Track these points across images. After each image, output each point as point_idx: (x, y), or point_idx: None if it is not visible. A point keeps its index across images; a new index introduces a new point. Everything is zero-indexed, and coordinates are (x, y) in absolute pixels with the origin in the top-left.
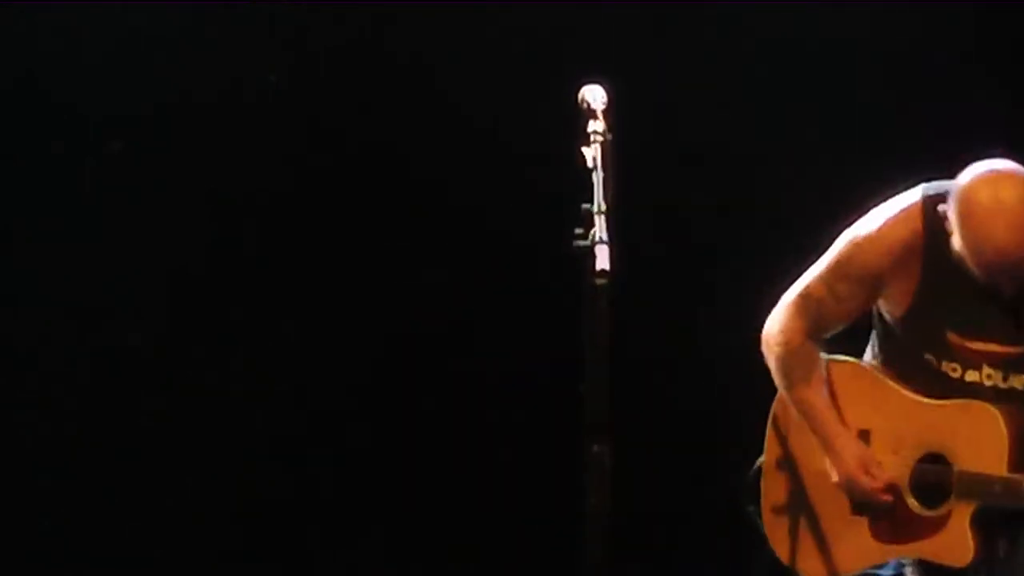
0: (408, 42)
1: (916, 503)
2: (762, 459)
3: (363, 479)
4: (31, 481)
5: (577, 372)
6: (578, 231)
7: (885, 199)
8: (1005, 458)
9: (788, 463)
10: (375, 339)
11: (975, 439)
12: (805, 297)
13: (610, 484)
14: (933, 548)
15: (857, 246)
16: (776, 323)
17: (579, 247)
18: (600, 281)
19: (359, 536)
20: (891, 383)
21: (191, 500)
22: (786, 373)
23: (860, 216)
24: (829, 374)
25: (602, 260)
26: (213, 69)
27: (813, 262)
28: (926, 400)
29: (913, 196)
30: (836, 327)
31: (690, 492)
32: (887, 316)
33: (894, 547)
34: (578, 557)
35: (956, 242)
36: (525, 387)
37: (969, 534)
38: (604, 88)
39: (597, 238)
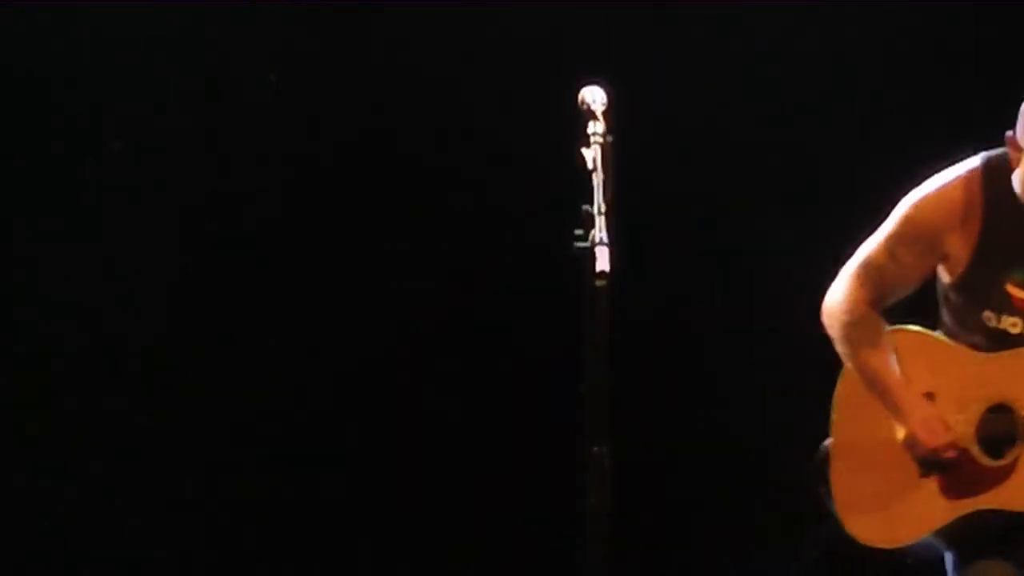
0: (408, 43)
1: (984, 455)
2: (828, 441)
3: (363, 479)
4: (31, 481)
5: (577, 372)
6: (578, 232)
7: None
8: None
9: (855, 440)
10: (375, 339)
11: None
12: (866, 266)
13: (610, 484)
14: (1004, 496)
15: (916, 207)
16: (839, 294)
17: (579, 248)
18: (600, 282)
19: (359, 536)
20: (950, 343)
21: (191, 500)
22: (851, 341)
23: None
24: (892, 343)
25: (602, 261)
26: (213, 69)
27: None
28: (985, 354)
29: (972, 161)
30: (898, 294)
31: (690, 493)
32: (946, 281)
33: (965, 501)
34: (578, 557)
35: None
36: (525, 387)
37: None
38: (604, 89)
39: (597, 239)
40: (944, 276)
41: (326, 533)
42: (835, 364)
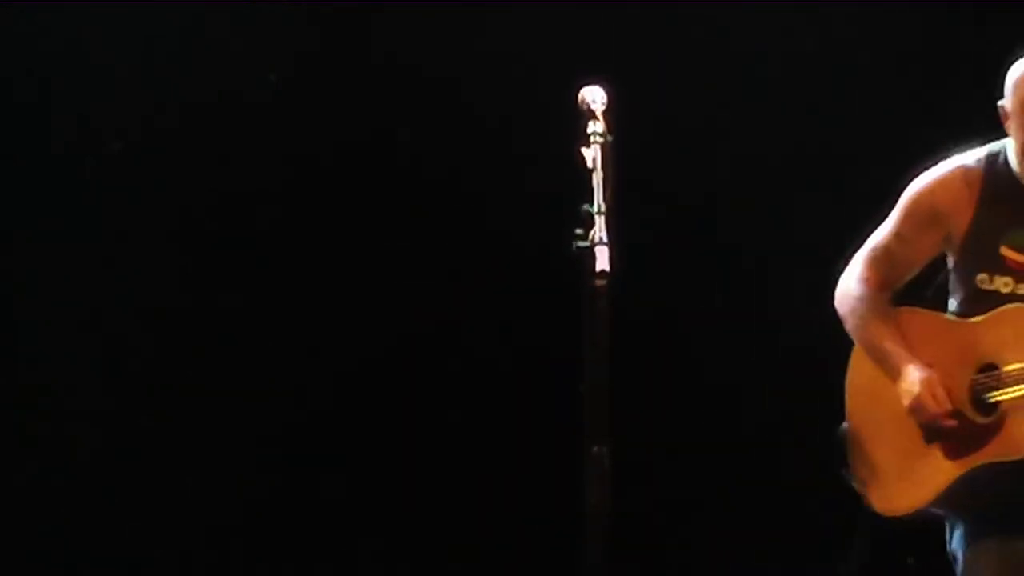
0: (408, 43)
1: (977, 414)
2: (845, 424)
3: (363, 479)
4: (31, 481)
5: (577, 372)
6: (578, 232)
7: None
8: None
9: (868, 419)
10: (375, 339)
11: (1015, 339)
12: (875, 248)
13: (610, 484)
14: (997, 449)
15: (919, 190)
16: (851, 277)
17: (579, 248)
18: (600, 282)
19: (359, 536)
20: (944, 316)
21: (191, 500)
22: (859, 316)
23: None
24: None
25: (602, 261)
26: (213, 69)
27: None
28: (971, 320)
29: (978, 151)
30: (906, 274)
31: (690, 493)
32: (949, 264)
33: (966, 459)
34: (578, 557)
35: (1012, 128)
36: (525, 387)
37: None
38: (604, 89)
39: (597, 239)
40: (949, 260)
41: (326, 533)
42: (835, 363)
